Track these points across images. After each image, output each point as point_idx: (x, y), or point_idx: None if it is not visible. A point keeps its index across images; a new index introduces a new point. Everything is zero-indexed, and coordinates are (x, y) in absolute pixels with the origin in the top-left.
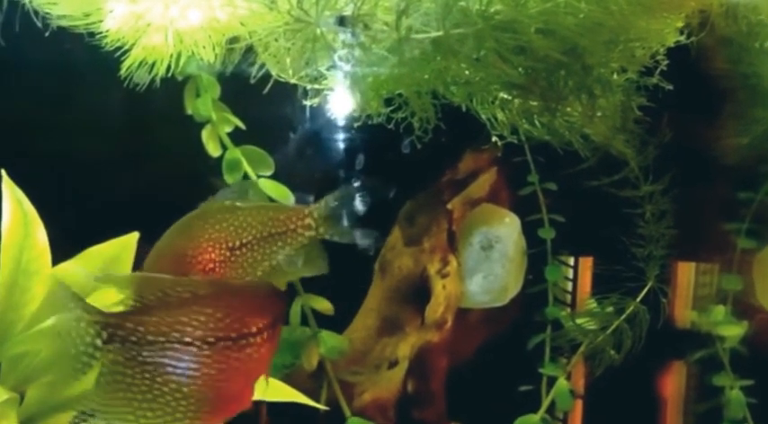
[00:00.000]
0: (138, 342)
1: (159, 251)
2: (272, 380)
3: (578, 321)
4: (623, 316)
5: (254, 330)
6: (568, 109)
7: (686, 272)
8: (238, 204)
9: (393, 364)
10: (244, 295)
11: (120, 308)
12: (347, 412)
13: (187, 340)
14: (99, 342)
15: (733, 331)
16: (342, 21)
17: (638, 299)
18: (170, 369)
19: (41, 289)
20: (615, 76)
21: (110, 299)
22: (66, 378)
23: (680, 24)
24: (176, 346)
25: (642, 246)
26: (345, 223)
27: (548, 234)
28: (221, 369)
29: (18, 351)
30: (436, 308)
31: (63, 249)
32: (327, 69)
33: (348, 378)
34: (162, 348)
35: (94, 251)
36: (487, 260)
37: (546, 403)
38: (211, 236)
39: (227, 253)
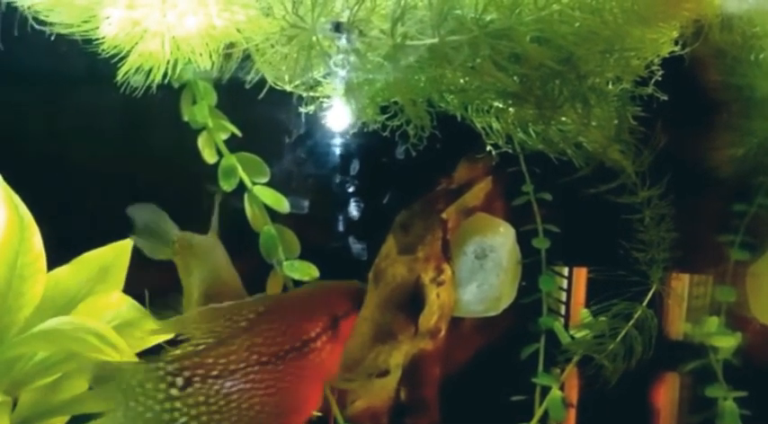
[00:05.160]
0: (221, 375)
1: None
2: None
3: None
4: (631, 322)
5: (312, 334)
6: (563, 118)
7: (680, 283)
8: None
9: (386, 372)
10: (296, 302)
11: (190, 348)
12: (340, 420)
13: (264, 359)
14: (175, 391)
15: (726, 343)
16: (337, 27)
17: (645, 303)
18: (253, 392)
19: (36, 293)
20: (610, 86)
21: (102, 307)
22: None
23: (675, 34)
24: (256, 368)
25: (644, 251)
26: None
27: (542, 243)
28: (293, 379)
29: (12, 355)
30: (430, 317)
31: (58, 254)
32: (323, 77)
33: (341, 386)
34: (244, 373)
35: (89, 256)
36: (482, 270)
37: (539, 414)
38: None
39: None
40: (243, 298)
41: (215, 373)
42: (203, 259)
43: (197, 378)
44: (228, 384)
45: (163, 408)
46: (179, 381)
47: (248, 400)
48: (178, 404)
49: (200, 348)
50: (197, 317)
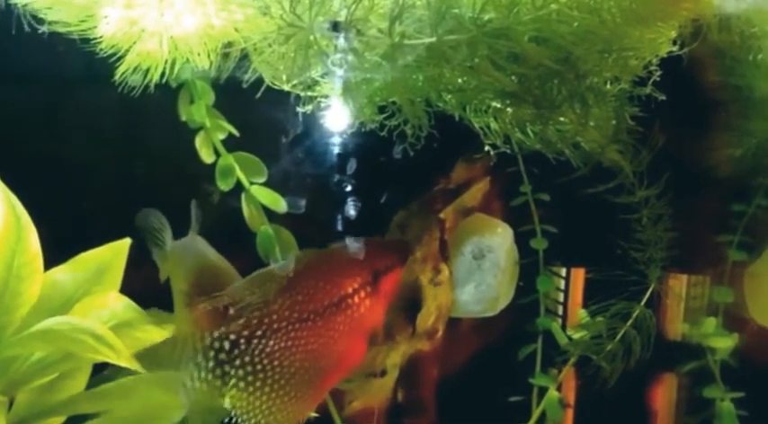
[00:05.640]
0: (264, 335)
1: None
2: None
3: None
4: (630, 321)
5: (350, 290)
6: (561, 118)
7: (678, 283)
8: None
9: (383, 372)
10: (333, 259)
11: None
12: (337, 420)
13: (303, 316)
14: (223, 356)
15: (724, 344)
16: (335, 26)
17: (643, 302)
18: (294, 349)
19: (33, 293)
20: (608, 86)
21: (99, 307)
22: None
23: (673, 34)
24: (296, 325)
25: (642, 250)
26: None
27: (540, 244)
28: (332, 335)
29: (8, 355)
30: (427, 317)
31: (55, 253)
32: (321, 76)
33: (339, 386)
34: (285, 331)
35: (86, 256)
36: (479, 270)
37: (536, 414)
38: None
39: None
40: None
41: (259, 333)
42: (181, 260)
43: (242, 340)
44: (271, 343)
45: (215, 374)
46: (226, 345)
47: (290, 357)
48: (227, 368)
49: (244, 310)
50: (245, 283)
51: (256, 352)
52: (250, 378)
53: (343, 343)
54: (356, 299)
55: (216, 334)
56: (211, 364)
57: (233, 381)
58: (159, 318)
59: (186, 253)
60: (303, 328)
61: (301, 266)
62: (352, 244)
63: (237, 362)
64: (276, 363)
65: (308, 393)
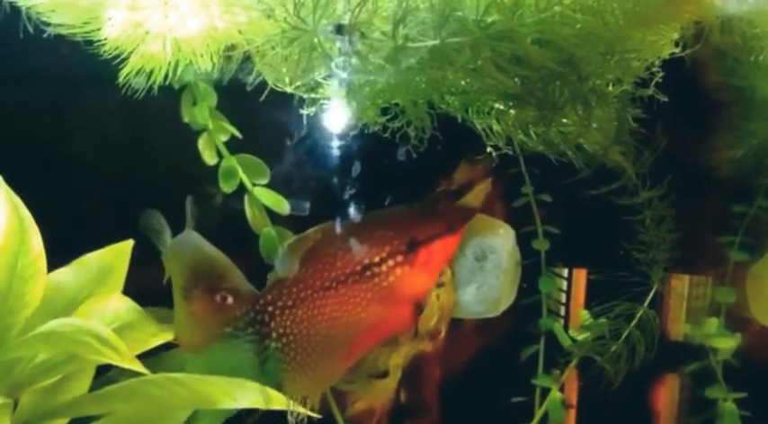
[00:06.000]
0: (294, 305)
1: None
2: (265, 388)
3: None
4: (633, 322)
5: (376, 259)
6: (564, 119)
7: (680, 284)
8: None
9: (386, 373)
10: (359, 228)
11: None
12: (340, 421)
13: (326, 284)
14: (265, 330)
15: (726, 344)
16: (339, 29)
17: (646, 303)
18: (319, 318)
19: (36, 295)
20: (611, 87)
21: (102, 309)
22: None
23: (675, 36)
24: (319, 293)
25: (645, 251)
26: None
27: (542, 245)
28: (358, 303)
29: (12, 357)
30: (430, 318)
31: (58, 255)
32: (324, 78)
33: (341, 387)
34: (311, 300)
35: (90, 258)
36: (481, 271)
37: (539, 415)
38: None
39: None
40: (233, 277)
41: (290, 303)
42: (177, 256)
43: (277, 311)
44: (300, 312)
45: (260, 347)
46: (266, 317)
47: (316, 325)
48: (266, 341)
49: (276, 282)
50: (285, 253)
51: (288, 322)
52: (285, 349)
53: (375, 310)
54: (384, 268)
55: (257, 306)
56: (255, 337)
57: (271, 353)
58: (158, 315)
59: (182, 249)
60: (325, 296)
61: (321, 235)
62: (383, 213)
63: (274, 335)
64: (305, 332)
65: (336, 359)
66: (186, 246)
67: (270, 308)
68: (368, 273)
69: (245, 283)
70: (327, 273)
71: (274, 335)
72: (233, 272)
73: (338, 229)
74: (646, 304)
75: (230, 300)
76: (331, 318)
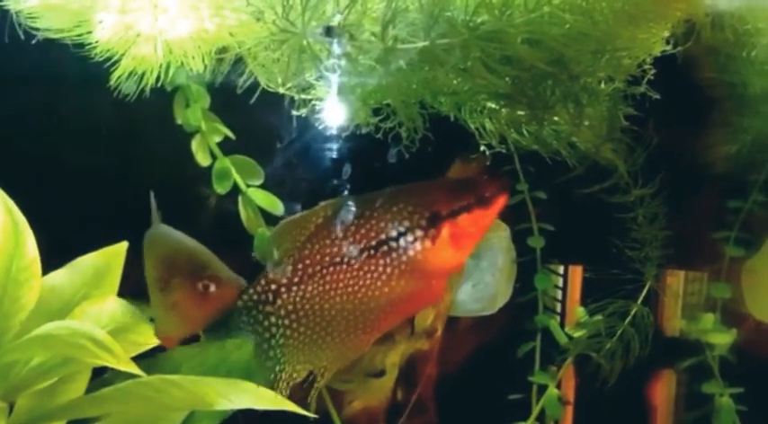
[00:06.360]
0: (301, 281)
1: None
2: (261, 388)
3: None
4: (627, 320)
5: (393, 233)
6: (556, 118)
7: (675, 280)
8: None
9: (383, 372)
10: (375, 203)
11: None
12: (337, 421)
13: (336, 260)
14: (269, 308)
15: (722, 339)
16: (328, 31)
17: (639, 300)
18: (332, 293)
19: (31, 298)
20: (602, 85)
21: (97, 311)
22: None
23: (666, 34)
24: (330, 269)
25: (637, 249)
26: None
27: (537, 242)
28: (373, 278)
29: (8, 360)
30: (426, 317)
31: (53, 258)
32: (316, 79)
33: (338, 386)
34: (321, 276)
35: (84, 260)
36: (477, 269)
37: (536, 411)
38: None
39: None
40: (214, 265)
41: (296, 279)
42: (149, 250)
43: (283, 288)
44: (309, 288)
45: (263, 327)
46: (270, 296)
47: (329, 300)
48: (273, 319)
49: (281, 259)
50: (276, 233)
51: (297, 298)
52: (295, 326)
53: (400, 285)
54: (402, 243)
55: (259, 287)
56: (260, 317)
57: (280, 331)
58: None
59: (156, 241)
60: (337, 271)
61: (331, 211)
62: (406, 187)
63: (282, 312)
64: (317, 308)
65: (356, 333)
66: (161, 238)
67: (273, 286)
68: (384, 248)
69: (226, 270)
70: (337, 249)
71: (282, 312)
72: (213, 260)
73: (352, 205)
74: (639, 301)
75: (213, 288)
76: (346, 293)
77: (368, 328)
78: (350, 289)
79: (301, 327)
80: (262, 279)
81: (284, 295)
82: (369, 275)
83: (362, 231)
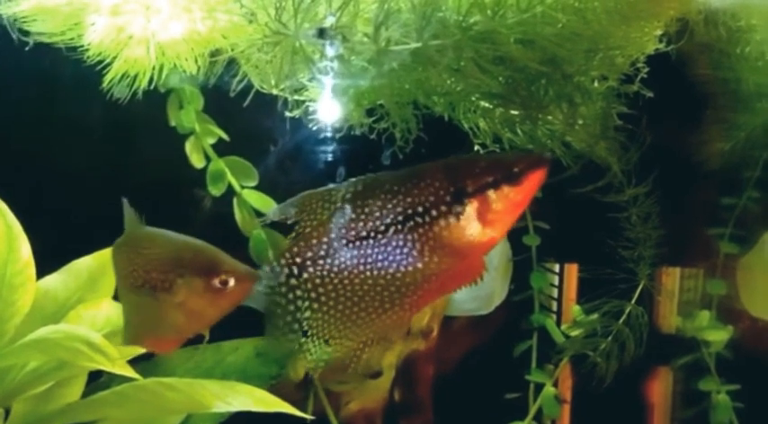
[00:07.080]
0: (327, 254)
1: None
2: (258, 390)
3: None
4: (622, 319)
5: (419, 209)
6: (549, 117)
7: (670, 278)
8: None
9: (379, 373)
10: (402, 178)
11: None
12: (334, 422)
13: (363, 234)
14: (294, 281)
15: (718, 336)
16: (321, 33)
17: (633, 300)
18: (359, 268)
19: (26, 302)
20: (595, 84)
21: (92, 315)
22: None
23: (659, 32)
24: (357, 243)
25: (631, 248)
26: None
27: (532, 241)
28: (400, 253)
29: (3, 365)
30: (422, 317)
31: (48, 262)
32: (309, 80)
33: (335, 387)
34: (347, 250)
35: (79, 263)
36: None
37: (533, 410)
38: None
39: None
40: (225, 259)
41: (322, 253)
42: (137, 251)
43: (308, 262)
44: (336, 262)
45: (288, 300)
46: (294, 269)
47: (357, 275)
48: (299, 292)
49: (305, 232)
50: (295, 203)
51: (324, 273)
52: (323, 299)
53: (432, 261)
54: (427, 218)
55: (283, 260)
56: (284, 289)
57: (306, 304)
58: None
59: (139, 244)
60: (364, 246)
61: (361, 186)
62: (433, 164)
63: (309, 286)
64: (346, 282)
65: (393, 309)
66: (153, 239)
67: (299, 259)
68: (411, 223)
69: (240, 264)
70: (364, 223)
71: (309, 285)
72: (222, 255)
73: (380, 180)
74: (633, 300)
75: (232, 283)
76: (376, 268)
77: (405, 304)
78: (380, 265)
79: (331, 301)
80: (286, 252)
81: (310, 269)
82: (398, 250)
83: (390, 206)
